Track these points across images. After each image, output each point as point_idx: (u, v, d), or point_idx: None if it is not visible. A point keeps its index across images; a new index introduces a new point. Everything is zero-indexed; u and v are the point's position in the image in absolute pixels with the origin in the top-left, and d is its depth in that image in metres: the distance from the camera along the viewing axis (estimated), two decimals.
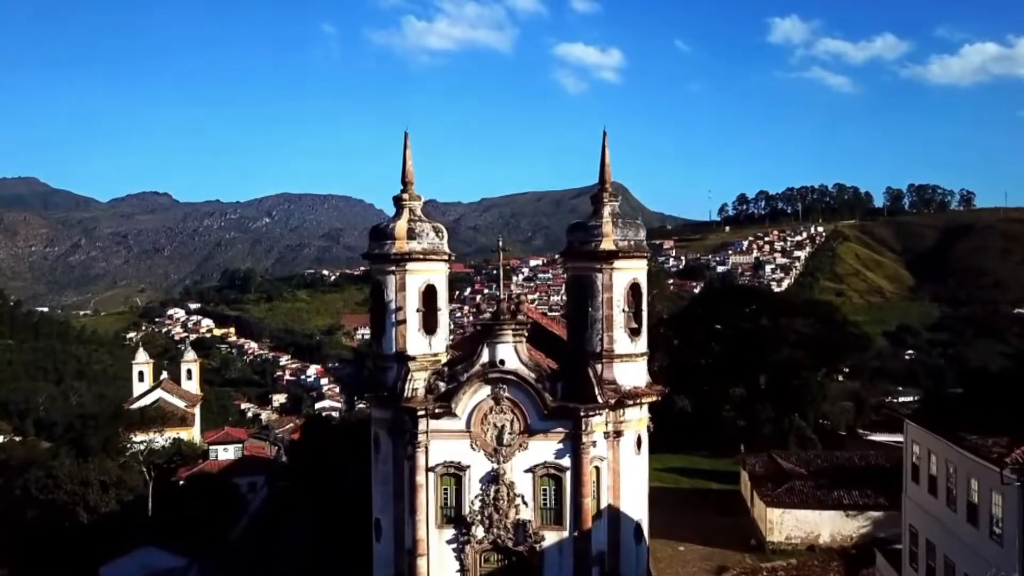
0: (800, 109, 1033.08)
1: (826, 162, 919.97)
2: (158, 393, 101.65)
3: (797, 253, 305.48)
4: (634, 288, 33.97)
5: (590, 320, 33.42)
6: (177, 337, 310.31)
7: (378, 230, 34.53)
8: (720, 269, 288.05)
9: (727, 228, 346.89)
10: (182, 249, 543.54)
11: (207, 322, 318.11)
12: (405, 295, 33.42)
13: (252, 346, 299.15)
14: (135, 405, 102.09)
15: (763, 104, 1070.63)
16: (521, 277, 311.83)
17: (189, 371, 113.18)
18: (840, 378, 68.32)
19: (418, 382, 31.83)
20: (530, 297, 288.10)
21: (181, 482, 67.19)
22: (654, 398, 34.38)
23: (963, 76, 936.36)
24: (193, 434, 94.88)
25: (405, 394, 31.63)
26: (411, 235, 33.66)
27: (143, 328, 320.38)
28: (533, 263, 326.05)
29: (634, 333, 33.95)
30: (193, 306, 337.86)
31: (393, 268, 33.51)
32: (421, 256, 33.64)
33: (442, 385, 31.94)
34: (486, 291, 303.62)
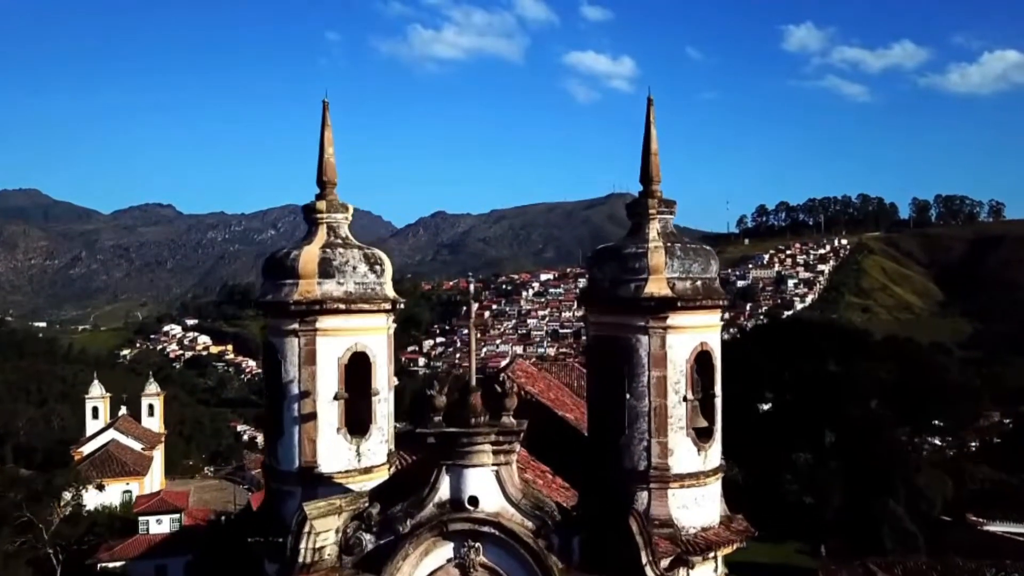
0: (819, 118, 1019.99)
1: (848, 172, 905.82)
2: (110, 434, 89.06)
3: (820, 267, 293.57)
4: (702, 359, 20.18)
5: (628, 414, 19.62)
6: (172, 355, 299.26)
7: (273, 262, 20.75)
8: (740, 284, 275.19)
9: (746, 241, 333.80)
10: (185, 262, 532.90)
11: (204, 339, 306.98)
12: (315, 371, 19.74)
13: (251, 364, 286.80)
14: (85, 448, 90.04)
15: (780, 113, 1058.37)
16: (531, 292, 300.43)
17: (151, 406, 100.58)
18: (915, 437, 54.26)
19: (325, 537, 17.88)
20: (540, 314, 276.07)
21: (100, 565, 54.06)
22: (736, 546, 20.49)
23: (984, 84, 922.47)
24: (146, 484, 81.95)
25: (301, 557, 17.68)
26: (326, 270, 19.99)
27: (137, 345, 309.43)
28: (544, 277, 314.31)
29: (702, 436, 20.12)
30: (190, 322, 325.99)
31: (295, 326, 19.79)
32: (343, 306, 19.92)
33: (368, 540, 17.95)
34: (495, 307, 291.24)
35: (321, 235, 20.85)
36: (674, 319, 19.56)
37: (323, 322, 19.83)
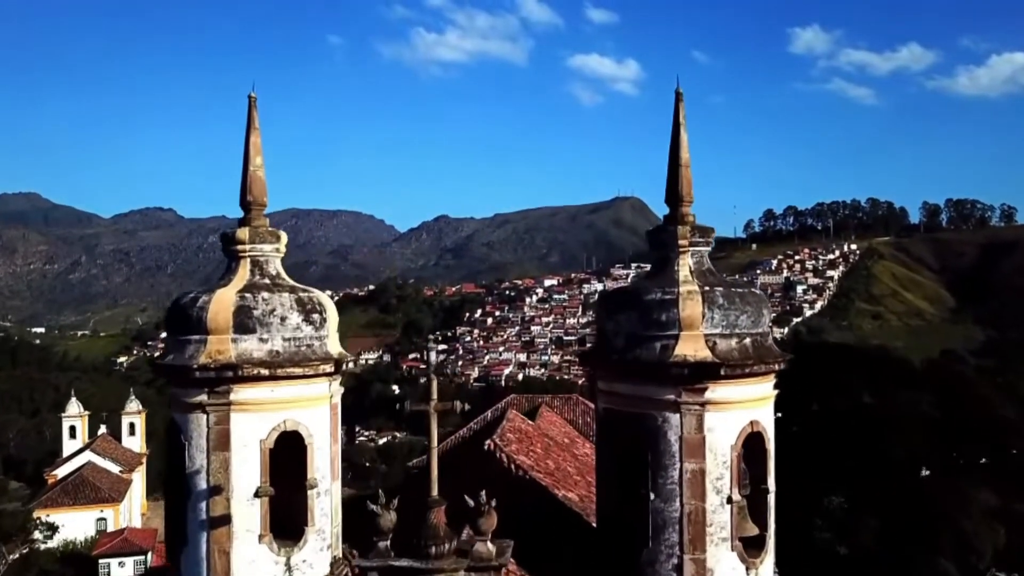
0: (826, 121, 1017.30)
1: (857, 176, 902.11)
2: (87, 456, 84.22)
3: (830, 273, 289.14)
4: (751, 443, 15.00)
5: (653, 520, 14.43)
6: None
7: (175, 312, 15.62)
8: None
9: (754, 246, 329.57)
10: (185, 266, 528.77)
11: None
12: (228, 459, 14.59)
13: None
14: (60, 470, 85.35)
15: (787, 116, 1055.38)
16: (535, 298, 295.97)
17: (132, 425, 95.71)
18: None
19: None
20: (544, 320, 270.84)
21: None
22: None
23: (992, 87, 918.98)
24: (122, 511, 77.02)
25: None
26: (244, 323, 14.84)
27: (135, 352, 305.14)
28: (548, 282, 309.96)
29: (751, 549, 14.93)
30: None
31: (202, 399, 14.64)
32: (266, 371, 14.74)
33: None
34: (497, 313, 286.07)
35: (242, 274, 15.70)
36: (715, 391, 14.35)
37: (240, 393, 14.64)
